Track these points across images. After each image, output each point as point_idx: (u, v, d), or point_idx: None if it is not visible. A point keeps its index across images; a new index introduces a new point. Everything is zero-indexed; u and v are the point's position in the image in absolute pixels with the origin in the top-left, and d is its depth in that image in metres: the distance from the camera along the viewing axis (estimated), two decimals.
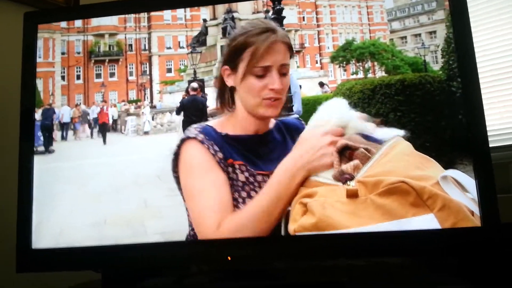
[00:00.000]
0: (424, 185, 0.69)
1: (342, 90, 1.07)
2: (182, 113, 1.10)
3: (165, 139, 1.12)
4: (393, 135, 0.79)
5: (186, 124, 1.09)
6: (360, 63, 1.10)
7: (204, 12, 1.10)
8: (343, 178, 0.75)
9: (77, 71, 1.13)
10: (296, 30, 1.19)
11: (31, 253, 0.93)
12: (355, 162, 0.76)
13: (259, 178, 0.82)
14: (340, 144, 0.78)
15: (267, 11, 1.09)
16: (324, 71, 1.16)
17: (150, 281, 1.02)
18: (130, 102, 1.19)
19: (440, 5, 1.03)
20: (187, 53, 1.15)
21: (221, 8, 1.09)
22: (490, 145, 0.84)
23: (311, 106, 1.16)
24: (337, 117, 0.81)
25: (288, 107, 1.05)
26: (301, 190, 0.77)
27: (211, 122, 0.87)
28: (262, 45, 0.80)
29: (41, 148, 1.03)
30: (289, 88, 1.05)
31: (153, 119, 1.16)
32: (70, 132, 1.09)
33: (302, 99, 1.09)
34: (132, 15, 1.15)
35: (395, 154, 0.76)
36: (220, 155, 0.80)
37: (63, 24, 1.09)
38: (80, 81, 1.14)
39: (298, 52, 1.22)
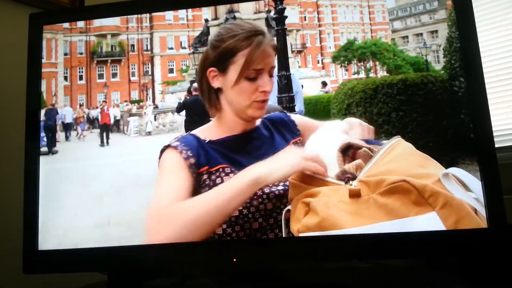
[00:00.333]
0: (426, 183, 0.69)
1: (343, 90, 1.08)
2: (184, 112, 1.10)
3: (167, 140, 1.12)
4: (393, 137, 0.80)
5: (188, 124, 1.09)
6: (362, 63, 1.10)
7: (206, 12, 1.10)
8: (345, 177, 0.75)
9: (79, 72, 1.14)
10: (297, 30, 1.19)
11: (37, 254, 0.94)
12: (358, 161, 0.76)
13: None
14: (343, 143, 0.78)
15: (268, 11, 1.10)
16: (326, 71, 1.17)
17: (155, 282, 1.02)
18: (132, 102, 1.19)
19: (441, 5, 1.03)
20: (189, 54, 1.15)
21: (223, 8, 1.09)
22: (496, 146, 0.84)
23: (312, 105, 1.17)
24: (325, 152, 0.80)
25: (290, 107, 1.06)
26: (303, 189, 0.77)
27: (195, 131, 0.88)
28: (257, 48, 0.81)
29: (44, 149, 1.03)
30: (292, 88, 1.05)
31: (155, 119, 1.16)
32: (74, 133, 1.10)
33: (304, 99, 1.09)
34: (134, 15, 1.15)
35: (397, 153, 0.76)
36: (192, 160, 0.80)
37: (66, 24, 1.09)
38: (83, 82, 1.14)
39: (299, 52, 1.22)
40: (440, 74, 0.96)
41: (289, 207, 0.78)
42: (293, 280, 0.95)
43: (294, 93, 1.05)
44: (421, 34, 1.09)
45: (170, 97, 1.17)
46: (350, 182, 0.73)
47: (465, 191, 0.71)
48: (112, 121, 1.16)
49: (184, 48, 1.20)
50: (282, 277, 0.95)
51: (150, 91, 1.21)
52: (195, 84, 1.04)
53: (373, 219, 0.71)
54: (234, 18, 1.09)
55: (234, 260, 0.85)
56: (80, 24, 1.11)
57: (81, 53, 1.13)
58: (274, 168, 0.74)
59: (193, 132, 0.87)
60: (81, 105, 1.12)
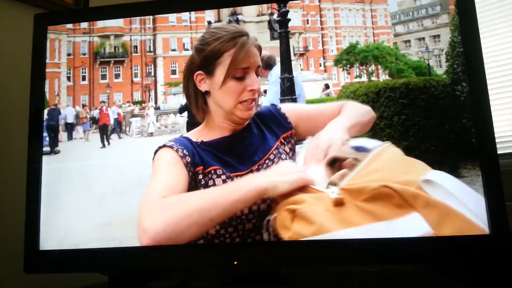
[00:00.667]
0: (406, 187, 0.70)
1: (346, 93, 1.08)
2: (186, 114, 1.10)
3: None
4: (383, 143, 0.81)
5: (190, 126, 1.09)
6: (364, 67, 1.10)
7: (209, 14, 1.11)
8: (328, 185, 0.76)
9: (82, 72, 1.14)
10: (300, 33, 1.19)
11: (38, 254, 0.94)
12: (343, 171, 0.77)
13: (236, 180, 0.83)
14: (328, 158, 0.79)
15: (271, 14, 1.10)
16: (328, 74, 1.17)
17: (156, 284, 1.02)
18: (134, 103, 1.19)
19: (444, 9, 1.04)
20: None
21: (225, 11, 1.09)
22: (498, 152, 0.84)
23: None
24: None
25: None
26: (287, 196, 0.77)
27: (187, 134, 0.89)
28: (242, 48, 0.82)
29: (47, 149, 1.03)
30: (294, 90, 1.06)
31: (157, 120, 1.16)
32: (75, 133, 1.10)
33: (306, 102, 1.09)
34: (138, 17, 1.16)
35: (382, 161, 0.76)
36: (188, 159, 0.81)
37: (69, 25, 1.10)
38: (86, 82, 1.15)
39: (302, 55, 1.22)
40: (443, 78, 0.96)
41: (269, 217, 0.79)
42: (297, 284, 0.94)
43: (296, 95, 1.05)
44: (423, 38, 1.09)
45: (173, 98, 1.18)
46: (332, 189, 0.74)
47: (447, 194, 0.71)
48: (112, 121, 1.15)
49: (187, 49, 1.21)
50: (285, 281, 0.95)
51: (152, 92, 1.21)
52: None
53: (361, 224, 0.72)
54: (237, 20, 1.09)
55: (235, 262, 0.85)
56: (84, 25, 1.12)
57: (84, 54, 1.13)
58: (280, 181, 0.76)
59: (185, 135, 0.88)
60: (84, 106, 1.13)
